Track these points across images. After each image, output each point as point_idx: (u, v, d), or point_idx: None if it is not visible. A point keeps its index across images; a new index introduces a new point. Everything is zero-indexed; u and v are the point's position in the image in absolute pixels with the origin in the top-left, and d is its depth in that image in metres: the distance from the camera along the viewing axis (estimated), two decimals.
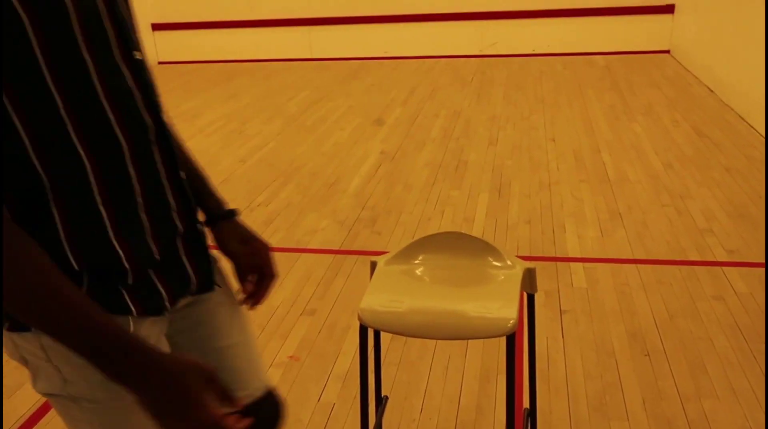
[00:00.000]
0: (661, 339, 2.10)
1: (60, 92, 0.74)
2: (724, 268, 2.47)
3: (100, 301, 0.76)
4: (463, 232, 1.49)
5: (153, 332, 0.89)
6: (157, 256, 0.87)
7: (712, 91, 5.01)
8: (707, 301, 2.27)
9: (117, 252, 0.82)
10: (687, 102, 4.76)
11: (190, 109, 5.35)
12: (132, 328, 0.84)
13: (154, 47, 7.49)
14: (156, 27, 7.41)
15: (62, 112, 0.75)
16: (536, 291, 1.45)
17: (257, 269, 1.08)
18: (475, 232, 2.88)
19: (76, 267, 0.80)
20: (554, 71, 5.95)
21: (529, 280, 1.43)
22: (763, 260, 2.51)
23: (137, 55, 0.82)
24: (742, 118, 4.27)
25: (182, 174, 0.90)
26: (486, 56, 6.72)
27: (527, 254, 2.68)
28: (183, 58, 7.50)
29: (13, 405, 1.97)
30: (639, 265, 2.52)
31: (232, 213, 1.08)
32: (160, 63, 7.54)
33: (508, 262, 1.44)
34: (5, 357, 2.18)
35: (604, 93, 5.15)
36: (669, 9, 6.39)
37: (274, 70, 6.82)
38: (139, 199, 0.84)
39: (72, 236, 0.79)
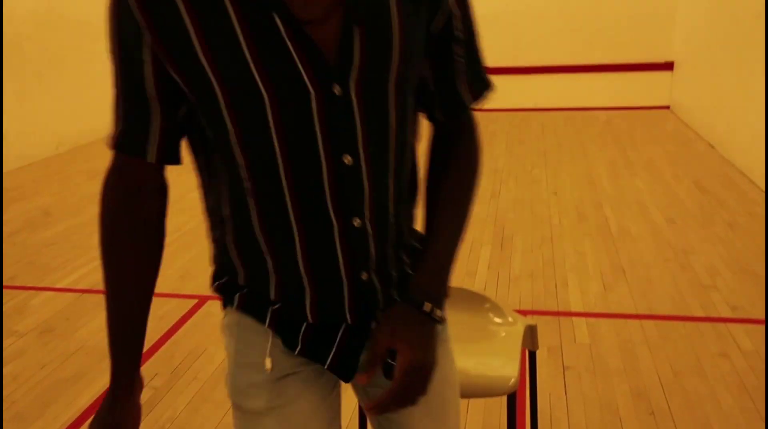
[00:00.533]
0: (666, 398, 2.06)
1: (250, 178, 0.82)
2: (728, 324, 2.44)
3: (251, 303, 0.93)
4: (463, 287, 1.48)
5: (284, 357, 0.92)
6: (311, 320, 0.91)
7: (712, 146, 5.05)
8: (712, 359, 2.23)
9: (272, 301, 0.92)
10: (688, 157, 4.80)
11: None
12: (270, 338, 0.92)
13: None
14: None
15: (249, 191, 0.84)
16: (537, 348, 1.44)
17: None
18: (477, 286, 2.86)
19: (240, 281, 0.93)
20: (556, 125, 6.03)
21: (530, 337, 1.42)
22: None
23: (346, 159, 0.82)
24: (744, 174, 4.30)
25: (365, 275, 0.90)
26: (488, 110, 6.82)
27: (529, 308, 2.66)
28: None
29: None
30: (643, 321, 2.50)
31: (411, 299, 0.87)
32: None
33: (509, 319, 1.43)
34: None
35: (605, 148, 5.20)
36: (668, 66, 6.51)
37: None
38: (307, 288, 0.89)
39: (246, 270, 0.92)
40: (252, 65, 0.76)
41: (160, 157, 0.83)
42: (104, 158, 5.58)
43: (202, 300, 2.83)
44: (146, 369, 2.33)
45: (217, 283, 0.97)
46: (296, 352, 0.91)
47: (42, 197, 4.47)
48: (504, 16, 6.57)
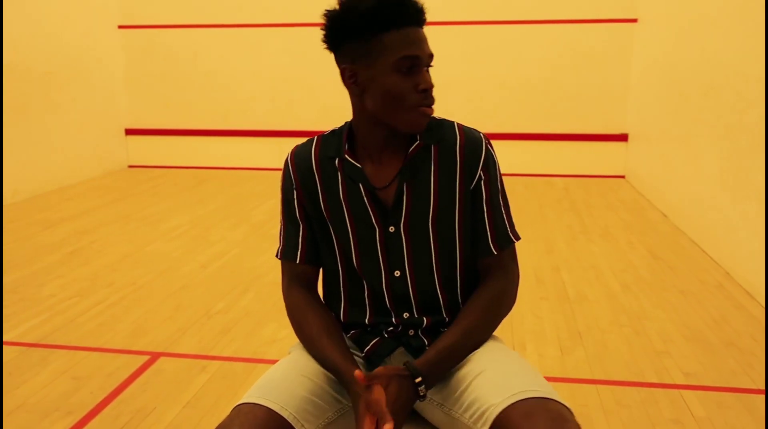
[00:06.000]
0: None
1: (344, 274, 1.41)
2: (681, 391, 2.47)
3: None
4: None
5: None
6: (369, 320, 1.41)
7: (665, 215, 5.21)
8: (666, 426, 2.24)
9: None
10: (642, 225, 4.94)
11: (155, 212, 5.35)
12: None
13: (125, 151, 7.58)
14: (129, 132, 7.54)
15: (337, 252, 1.39)
16: None
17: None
18: None
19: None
20: (516, 191, 6.16)
21: None
22: (719, 384, 2.52)
23: (396, 273, 1.35)
24: (695, 243, 4.43)
25: (405, 315, 1.38)
26: None
27: None
28: (154, 163, 7.58)
29: None
30: (598, 386, 2.51)
31: (412, 376, 1.20)
32: (130, 166, 7.60)
33: None
34: None
35: (563, 214, 5.32)
36: (623, 137, 6.77)
37: (243, 178, 6.93)
38: (368, 309, 1.40)
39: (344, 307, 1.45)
40: (345, 213, 1.34)
41: (302, 259, 1.40)
42: (60, 208, 5.48)
43: (154, 356, 2.75)
44: None
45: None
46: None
47: None
48: (467, 83, 6.79)
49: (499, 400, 1.13)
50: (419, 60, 1.22)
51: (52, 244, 4.40)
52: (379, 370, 1.17)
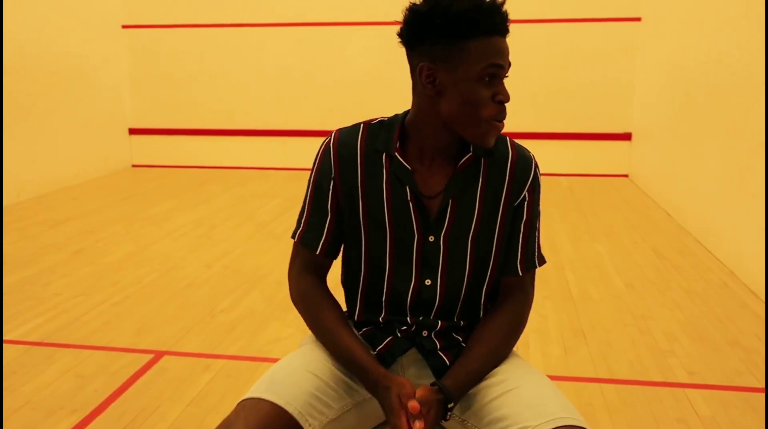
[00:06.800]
0: None
1: (365, 274, 1.36)
2: (686, 390, 2.46)
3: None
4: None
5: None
6: (383, 319, 1.37)
7: (669, 214, 5.20)
8: (671, 425, 2.24)
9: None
10: (646, 224, 4.93)
11: (160, 212, 5.36)
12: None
13: (130, 151, 7.59)
14: (133, 131, 7.55)
15: (363, 251, 1.34)
16: None
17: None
18: None
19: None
20: None
21: None
22: (724, 383, 2.52)
23: (426, 282, 1.32)
24: (699, 242, 4.42)
25: (421, 318, 1.35)
26: None
27: None
28: (158, 163, 7.59)
29: None
30: (602, 385, 2.51)
31: (445, 399, 1.20)
32: (134, 166, 7.62)
33: None
34: None
35: (567, 213, 5.31)
36: (627, 136, 6.76)
37: (248, 177, 6.94)
38: (384, 310, 1.37)
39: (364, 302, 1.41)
40: (386, 214, 1.28)
41: (323, 252, 1.35)
42: (65, 208, 5.49)
43: (158, 355, 2.76)
44: (92, 428, 2.24)
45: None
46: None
47: None
48: None
49: (536, 423, 1.12)
50: (502, 70, 1.19)
51: (57, 244, 4.41)
52: (423, 394, 1.17)
